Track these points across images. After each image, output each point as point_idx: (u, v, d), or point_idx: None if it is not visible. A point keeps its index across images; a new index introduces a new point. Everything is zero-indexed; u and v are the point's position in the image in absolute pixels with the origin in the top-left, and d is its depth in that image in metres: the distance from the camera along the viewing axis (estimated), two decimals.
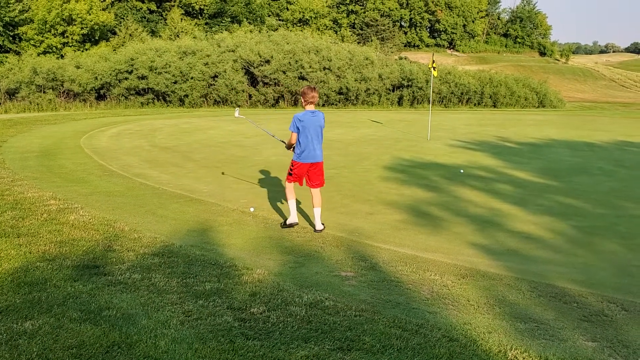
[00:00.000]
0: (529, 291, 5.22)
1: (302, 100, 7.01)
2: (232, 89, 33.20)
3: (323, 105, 34.73)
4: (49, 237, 6.18)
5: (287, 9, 79.22)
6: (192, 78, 32.55)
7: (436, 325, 4.33)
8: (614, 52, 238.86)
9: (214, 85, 33.15)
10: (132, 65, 32.33)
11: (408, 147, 15.62)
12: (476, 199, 9.33)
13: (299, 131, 6.93)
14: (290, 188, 7.27)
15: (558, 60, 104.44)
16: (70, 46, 45.28)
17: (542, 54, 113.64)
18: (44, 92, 30.81)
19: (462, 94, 38.16)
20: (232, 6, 53.64)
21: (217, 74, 33.25)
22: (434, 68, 17.12)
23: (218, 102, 33.39)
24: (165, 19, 53.77)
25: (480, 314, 4.67)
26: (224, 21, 53.07)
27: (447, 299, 4.99)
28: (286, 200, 7.35)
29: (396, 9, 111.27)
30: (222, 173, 11.01)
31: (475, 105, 38.66)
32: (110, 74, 31.81)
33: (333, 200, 8.97)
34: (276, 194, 9.15)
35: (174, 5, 55.16)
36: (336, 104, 35.02)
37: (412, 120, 24.99)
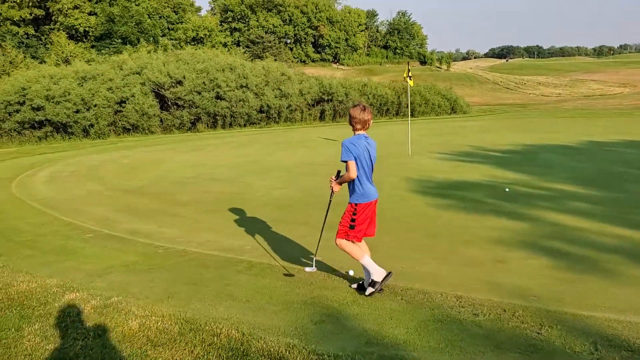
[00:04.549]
0: None
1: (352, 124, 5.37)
2: (144, 114, 29.96)
3: (244, 125, 32.46)
4: None
5: (171, 29, 75.07)
6: (95, 105, 28.90)
7: None
8: (475, 58, 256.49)
9: (122, 111, 29.70)
10: (24, 96, 28.14)
11: (401, 164, 13.96)
12: (577, 224, 7.79)
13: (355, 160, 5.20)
14: (353, 245, 5.36)
15: (439, 67, 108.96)
16: None
17: (423, 62, 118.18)
18: None
19: (380, 105, 37.52)
20: (121, 26, 49.49)
21: (124, 99, 29.83)
22: (409, 77, 15.71)
23: (128, 130, 29.96)
24: (46, 44, 48.49)
25: None
26: (114, 43, 48.75)
27: None
28: (357, 260, 5.37)
29: (280, 25, 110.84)
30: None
31: (394, 115, 38.18)
32: None
33: (423, 245, 7.03)
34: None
35: (54, 29, 49.89)
36: (258, 123, 32.88)
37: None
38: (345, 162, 5.20)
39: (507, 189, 10.36)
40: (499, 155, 15.32)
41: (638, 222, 7.75)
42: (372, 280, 5.25)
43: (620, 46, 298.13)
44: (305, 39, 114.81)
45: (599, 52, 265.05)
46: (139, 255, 6.91)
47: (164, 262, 6.62)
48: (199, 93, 31.25)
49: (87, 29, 51.56)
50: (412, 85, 16.56)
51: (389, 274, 5.30)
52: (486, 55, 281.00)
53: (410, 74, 15.72)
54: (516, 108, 50.82)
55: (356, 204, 5.28)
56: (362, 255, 5.31)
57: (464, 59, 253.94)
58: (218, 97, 31.69)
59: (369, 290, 5.25)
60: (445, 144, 18.40)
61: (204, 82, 31.61)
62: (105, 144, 23.93)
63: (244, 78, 33.16)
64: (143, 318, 4.70)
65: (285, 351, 4.09)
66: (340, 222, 5.38)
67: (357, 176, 5.20)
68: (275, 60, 44.62)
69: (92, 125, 28.68)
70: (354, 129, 5.34)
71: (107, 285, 5.75)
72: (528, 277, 5.77)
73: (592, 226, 7.66)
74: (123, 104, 29.66)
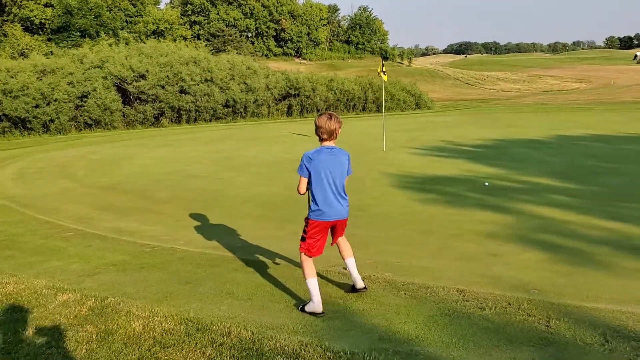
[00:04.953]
0: None
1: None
2: (106, 109, 29.24)
3: (210, 120, 32.04)
4: None
5: (130, 22, 73.12)
6: (56, 100, 28.01)
7: None
8: (434, 54, 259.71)
9: (84, 106, 28.90)
10: None
11: (378, 160, 13.99)
12: (562, 217, 7.94)
13: (310, 175, 4.77)
14: (308, 262, 4.89)
15: (401, 63, 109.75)
16: None
17: (385, 58, 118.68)
18: None
19: (347, 100, 37.58)
20: (80, 19, 48.07)
21: (85, 94, 29.03)
22: (384, 72, 15.74)
23: (90, 125, 29.18)
24: None
25: None
26: (72, 36, 47.31)
27: None
28: (304, 277, 4.91)
29: (241, 18, 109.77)
30: None
31: (361, 110, 38.29)
32: None
33: (414, 240, 7.04)
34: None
35: (7, 20, 48.07)
36: (224, 118, 32.54)
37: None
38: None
39: (486, 183, 10.48)
40: (472, 150, 15.52)
41: (619, 215, 7.94)
42: (306, 305, 4.83)
43: (574, 43, 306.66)
44: (266, 32, 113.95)
45: (554, 48, 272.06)
46: (126, 254, 6.71)
47: (153, 260, 6.44)
48: (163, 87, 30.74)
49: (43, 21, 49.88)
50: (386, 80, 16.62)
51: (321, 313, 4.74)
52: (445, 51, 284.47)
53: (384, 69, 15.76)
54: (477, 103, 51.68)
55: (307, 219, 4.86)
56: (309, 277, 4.83)
57: (424, 54, 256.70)
58: (182, 91, 31.24)
59: (301, 309, 4.85)
60: (416, 139, 18.55)
61: (167, 76, 31.10)
62: (69, 139, 23.27)
63: (209, 72, 32.75)
64: (145, 319, 4.55)
65: (300, 349, 4.01)
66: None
67: (312, 192, 4.77)
68: (238, 54, 44.24)
69: (52, 121, 27.80)
70: (320, 140, 4.83)
71: (98, 285, 5.55)
72: (525, 270, 5.82)
73: (576, 219, 7.81)
74: (84, 99, 28.89)
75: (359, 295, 5.17)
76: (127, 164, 14.44)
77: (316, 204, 4.77)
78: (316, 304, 4.78)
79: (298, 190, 4.88)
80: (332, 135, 4.76)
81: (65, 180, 12.27)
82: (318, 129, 4.78)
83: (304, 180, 4.80)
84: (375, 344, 4.18)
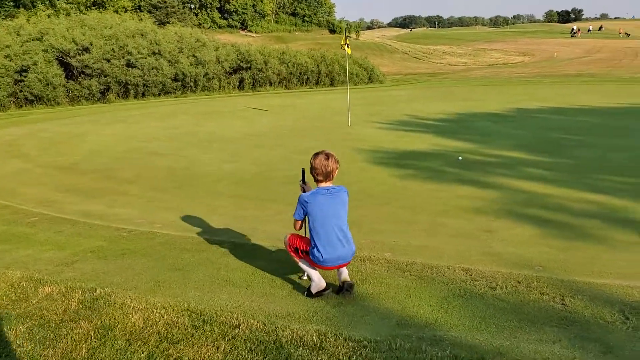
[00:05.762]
0: None
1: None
2: (48, 84, 27.71)
3: (159, 94, 30.94)
4: None
5: None
6: None
7: None
8: (379, 27, 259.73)
9: (24, 81, 27.32)
10: None
11: (346, 135, 13.76)
12: (543, 190, 7.96)
13: (308, 219, 4.51)
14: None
15: (349, 36, 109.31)
16: None
17: (332, 31, 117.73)
18: None
19: (300, 74, 37.03)
20: None
21: (25, 68, 27.43)
22: (347, 45, 15.42)
23: (31, 101, 27.65)
24: None
25: None
26: (4, 6, 44.55)
27: None
28: (295, 261, 4.73)
29: None
30: None
31: (315, 84, 37.84)
32: None
33: (404, 218, 6.88)
34: None
35: None
36: (174, 92, 31.47)
37: (296, 105, 23.10)
38: None
39: (459, 158, 10.43)
40: (436, 124, 15.49)
41: (599, 187, 8.02)
42: (310, 287, 4.58)
43: (514, 16, 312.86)
44: (210, 4, 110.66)
45: (495, 22, 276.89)
46: (102, 240, 6.26)
47: (134, 246, 6.03)
48: (108, 61, 29.36)
49: None
50: (349, 53, 16.31)
51: (327, 288, 4.57)
52: (389, 25, 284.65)
53: (347, 42, 15.44)
54: (427, 77, 51.94)
55: (307, 252, 4.55)
56: (300, 258, 4.66)
57: (369, 28, 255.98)
58: (129, 65, 29.95)
59: (308, 293, 4.60)
60: (378, 113, 18.39)
61: (113, 49, 29.70)
62: (11, 116, 21.96)
63: (156, 44, 31.54)
64: (143, 311, 4.19)
65: (319, 339, 3.76)
66: (299, 237, 4.73)
67: (312, 237, 4.46)
68: (183, 26, 42.73)
69: None
70: (316, 181, 4.52)
71: (81, 275, 5.13)
72: (522, 246, 5.75)
73: (559, 192, 7.82)
74: (24, 73, 27.27)
75: (364, 278, 4.95)
76: (81, 142, 13.66)
77: (317, 249, 4.42)
78: (317, 281, 4.57)
79: (294, 228, 4.68)
80: (328, 177, 4.46)
81: (18, 160, 11.48)
82: (313, 170, 4.45)
83: (297, 223, 4.60)
84: (396, 330, 3.98)
